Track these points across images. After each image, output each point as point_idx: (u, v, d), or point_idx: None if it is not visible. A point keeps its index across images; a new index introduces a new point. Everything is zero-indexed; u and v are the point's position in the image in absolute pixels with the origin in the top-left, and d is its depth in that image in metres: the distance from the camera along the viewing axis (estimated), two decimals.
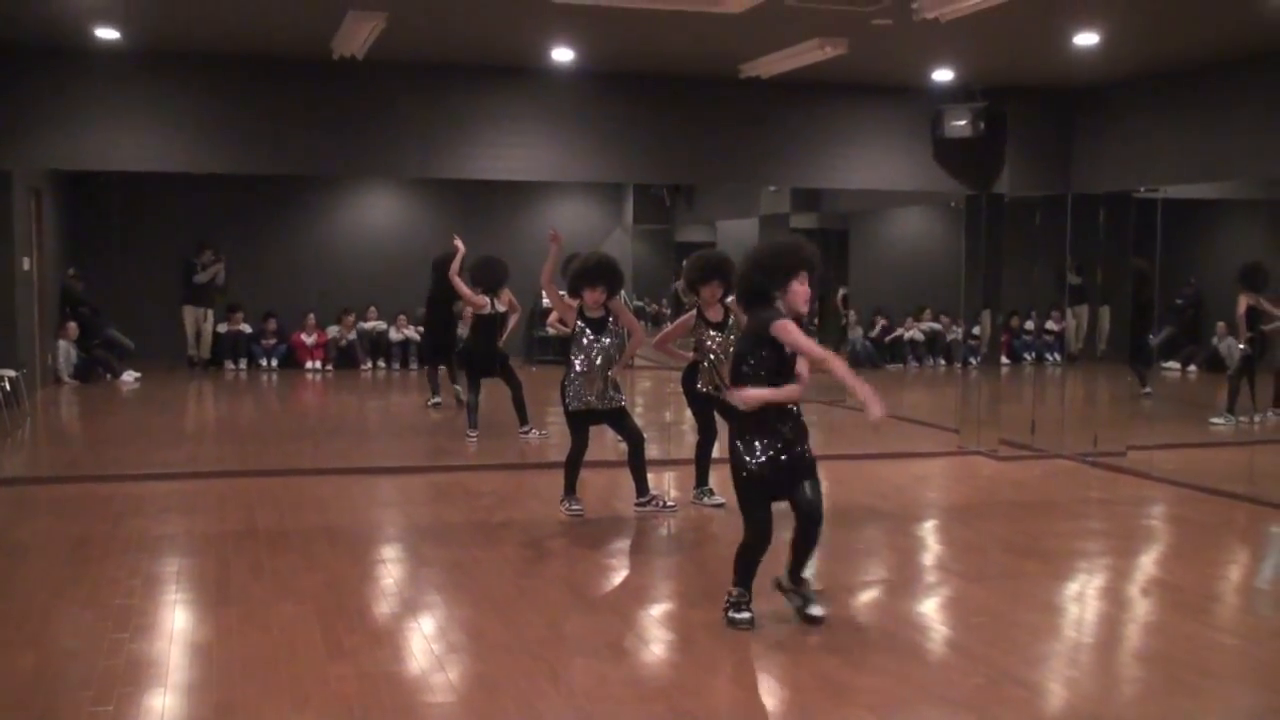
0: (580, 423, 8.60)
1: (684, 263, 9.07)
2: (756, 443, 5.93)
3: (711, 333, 8.64)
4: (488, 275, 12.01)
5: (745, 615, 6.04)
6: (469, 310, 12.61)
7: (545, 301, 12.47)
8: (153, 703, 5.02)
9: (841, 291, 17.38)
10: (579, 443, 8.64)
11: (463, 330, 14.17)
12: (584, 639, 6.02)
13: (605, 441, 10.01)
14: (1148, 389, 13.97)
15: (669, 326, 9.26)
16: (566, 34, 10.12)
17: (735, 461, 6.02)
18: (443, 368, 14.46)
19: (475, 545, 7.81)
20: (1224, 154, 10.83)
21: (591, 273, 8.40)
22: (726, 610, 6.09)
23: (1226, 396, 13.08)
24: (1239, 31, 9.67)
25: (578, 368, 8.44)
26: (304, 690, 5.15)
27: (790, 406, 5.98)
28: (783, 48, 10.18)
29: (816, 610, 6.12)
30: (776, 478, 5.95)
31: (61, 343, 16.23)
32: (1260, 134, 10.42)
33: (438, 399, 14.27)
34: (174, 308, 17.88)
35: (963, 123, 11.85)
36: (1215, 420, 13.20)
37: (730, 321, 8.53)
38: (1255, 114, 10.45)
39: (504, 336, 12.26)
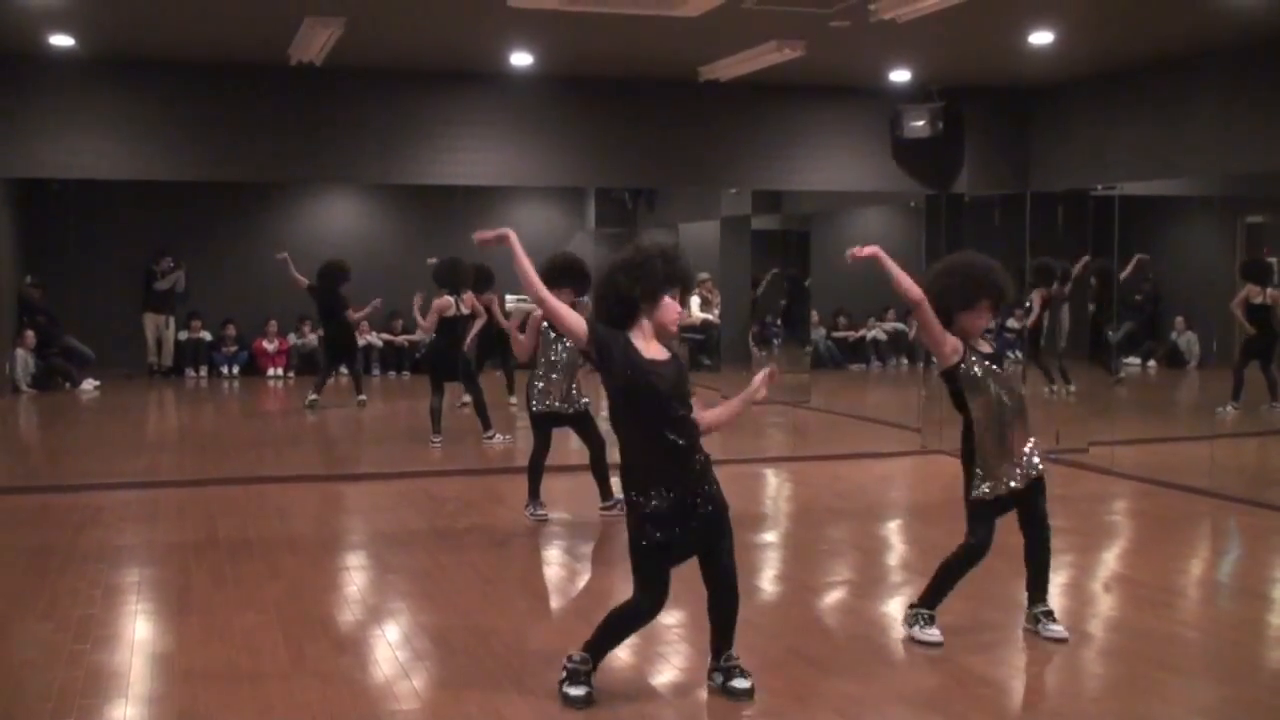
0: (543, 425, 8.57)
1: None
2: (647, 507, 4.89)
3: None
4: (451, 276, 11.89)
5: (582, 691, 4.97)
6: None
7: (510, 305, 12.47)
8: (114, 714, 4.98)
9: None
10: (540, 445, 8.60)
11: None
12: (550, 644, 5.99)
13: (569, 445, 9.99)
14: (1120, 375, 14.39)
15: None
16: (524, 38, 10.11)
17: (629, 523, 5.00)
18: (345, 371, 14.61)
19: (440, 551, 7.78)
20: (1179, 151, 10.93)
21: (556, 273, 8.32)
22: (561, 682, 5.04)
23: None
24: (1192, 29, 9.77)
25: (541, 370, 8.41)
26: (267, 700, 5.12)
27: (688, 449, 4.93)
28: (741, 50, 10.21)
29: (743, 683, 5.11)
30: (678, 546, 4.95)
31: (19, 352, 16.05)
32: (1214, 130, 10.52)
33: (315, 397, 14.31)
34: (134, 315, 17.73)
35: (921, 123, 11.91)
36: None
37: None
38: (1209, 111, 10.55)
39: (468, 340, 12.22)
